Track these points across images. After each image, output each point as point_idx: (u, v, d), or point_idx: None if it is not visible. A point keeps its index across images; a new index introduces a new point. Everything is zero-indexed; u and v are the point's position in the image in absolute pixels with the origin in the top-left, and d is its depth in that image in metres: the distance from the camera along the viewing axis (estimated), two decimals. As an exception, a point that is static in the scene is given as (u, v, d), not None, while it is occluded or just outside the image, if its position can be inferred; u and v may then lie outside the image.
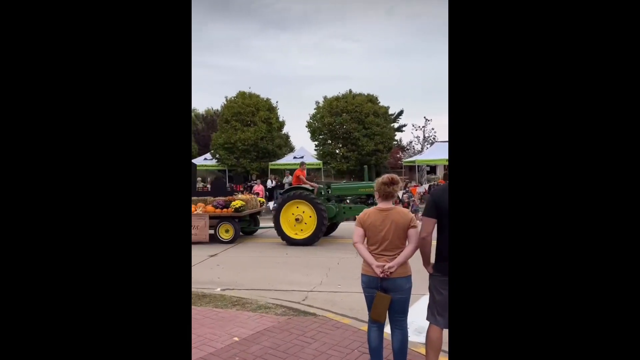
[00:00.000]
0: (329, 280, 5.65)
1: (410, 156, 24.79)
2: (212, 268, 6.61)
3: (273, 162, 18.98)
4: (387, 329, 2.68)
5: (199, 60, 50.80)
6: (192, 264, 6.92)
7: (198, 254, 7.73)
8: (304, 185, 8.75)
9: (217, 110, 26.35)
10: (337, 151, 19.97)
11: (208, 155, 20.73)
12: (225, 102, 20.89)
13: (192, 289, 4.98)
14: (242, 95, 20.34)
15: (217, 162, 19.86)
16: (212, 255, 7.60)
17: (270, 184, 16.96)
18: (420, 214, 6.63)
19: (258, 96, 20.36)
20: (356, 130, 18.79)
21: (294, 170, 11.03)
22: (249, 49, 55.35)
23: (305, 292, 5.05)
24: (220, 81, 56.99)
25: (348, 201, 8.99)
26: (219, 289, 5.18)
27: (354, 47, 55.76)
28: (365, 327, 3.40)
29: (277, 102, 21.33)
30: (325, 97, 20.52)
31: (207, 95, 56.48)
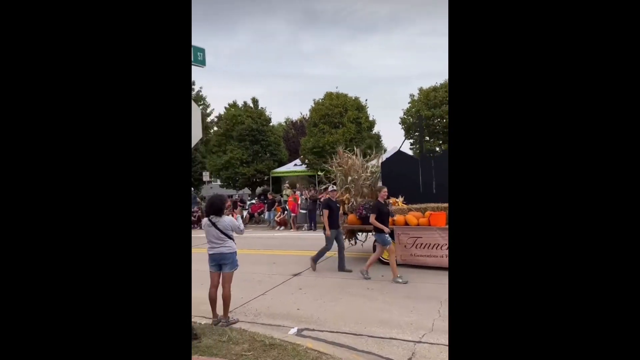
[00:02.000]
0: (443, 321, 4.03)
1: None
2: (292, 293, 5.49)
3: (364, 165, 17.60)
4: None
5: (294, 72, 52.38)
6: (272, 285, 5.94)
7: (280, 271, 6.78)
8: None
9: (306, 115, 26.10)
10: (437, 148, 17.68)
11: (298, 161, 20.32)
12: (313, 105, 20.28)
13: (260, 331, 3.85)
14: (329, 96, 19.50)
15: (306, 167, 19.29)
16: (295, 274, 6.53)
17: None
18: None
19: (346, 95, 19.27)
20: (459, 123, 16.31)
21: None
22: (340, 56, 55.28)
23: (410, 344, 3.54)
24: (313, 91, 58.02)
25: None
26: (294, 330, 3.98)
27: (444, 41, 51.64)
28: None
29: (366, 100, 19.96)
30: (420, 89, 18.48)
31: (300, 104, 58.00)
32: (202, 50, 3.74)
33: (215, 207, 4.15)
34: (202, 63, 3.74)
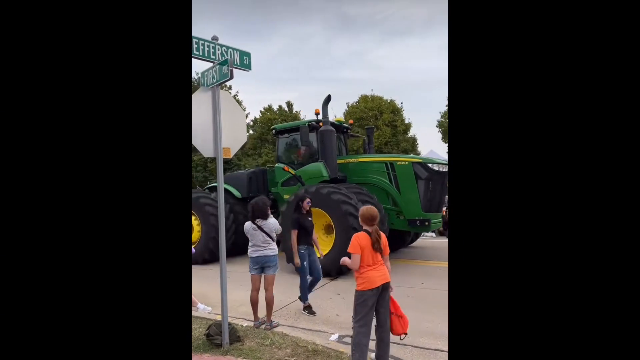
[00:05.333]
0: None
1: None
2: (330, 298, 5.44)
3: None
4: None
5: (327, 76, 52.56)
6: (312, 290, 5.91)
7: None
8: None
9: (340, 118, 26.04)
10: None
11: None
12: (347, 109, 20.23)
13: (302, 336, 3.82)
14: (364, 99, 19.39)
15: (340, 170, 19.23)
16: (331, 279, 6.47)
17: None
18: None
19: (381, 98, 19.09)
20: (500, 126, 15.68)
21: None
22: (374, 59, 54.94)
23: (458, 357, 3.37)
24: (347, 94, 58.05)
25: None
26: (335, 337, 3.92)
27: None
28: None
29: (402, 102, 19.66)
30: (458, 91, 17.98)
31: (335, 107, 57.98)
32: (248, 55, 3.78)
33: (261, 210, 4.16)
34: (248, 67, 3.78)
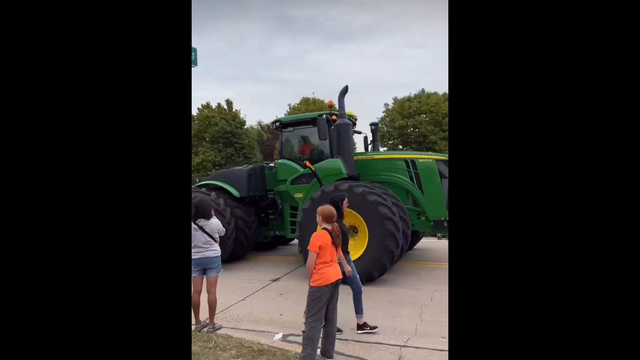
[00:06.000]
0: (425, 326, 4.14)
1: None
2: (273, 298, 5.44)
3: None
4: None
5: (267, 75, 52.10)
6: (252, 291, 5.85)
7: (259, 277, 6.70)
8: None
9: (282, 119, 26.07)
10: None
11: (272, 164, 20.23)
12: (289, 110, 20.31)
13: (246, 337, 3.79)
14: (305, 101, 19.62)
15: (281, 171, 19.23)
16: (274, 280, 6.47)
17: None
18: None
19: (323, 101, 19.45)
20: (432, 133, 16.88)
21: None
22: (313, 63, 55.62)
23: (396, 348, 3.60)
24: (287, 95, 58.01)
25: None
26: (280, 336, 3.94)
27: (418, 53, 53.41)
28: None
29: (342, 107, 20.25)
30: (395, 99, 18.97)
31: (275, 108, 57.65)
32: (194, 50, 3.67)
33: (203, 211, 4.05)
34: (194, 63, 3.68)
